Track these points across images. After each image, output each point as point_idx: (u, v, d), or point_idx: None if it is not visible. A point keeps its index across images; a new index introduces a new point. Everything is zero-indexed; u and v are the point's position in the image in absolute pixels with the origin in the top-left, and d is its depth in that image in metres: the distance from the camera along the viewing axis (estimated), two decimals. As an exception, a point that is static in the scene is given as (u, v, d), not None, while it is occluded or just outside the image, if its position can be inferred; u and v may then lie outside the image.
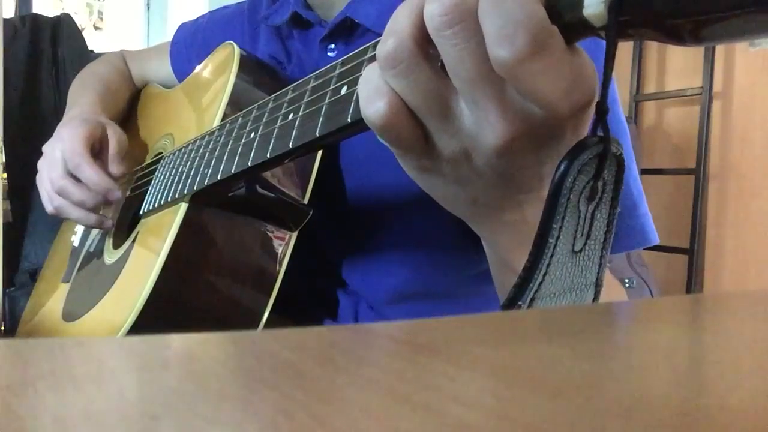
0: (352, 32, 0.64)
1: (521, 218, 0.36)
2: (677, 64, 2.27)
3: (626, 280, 1.89)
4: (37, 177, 0.76)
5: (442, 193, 0.36)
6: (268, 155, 0.46)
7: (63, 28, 1.33)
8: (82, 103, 0.83)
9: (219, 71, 0.69)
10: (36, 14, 1.37)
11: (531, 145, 0.31)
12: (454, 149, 0.32)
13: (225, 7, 0.85)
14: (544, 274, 0.30)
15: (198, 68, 0.76)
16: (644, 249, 2.11)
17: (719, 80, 2.14)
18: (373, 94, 0.32)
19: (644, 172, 2.24)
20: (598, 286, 0.32)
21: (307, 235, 0.63)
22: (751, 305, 0.23)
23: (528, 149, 0.31)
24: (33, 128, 1.23)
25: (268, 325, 0.60)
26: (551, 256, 0.30)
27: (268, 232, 0.61)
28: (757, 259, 2.07)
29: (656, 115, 2.37)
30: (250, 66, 0.67)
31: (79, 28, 1.40)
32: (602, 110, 0.28)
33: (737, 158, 2.12)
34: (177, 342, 0.17)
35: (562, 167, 0.29)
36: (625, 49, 2.25)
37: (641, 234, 0.56)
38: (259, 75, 0.68)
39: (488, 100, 0.29)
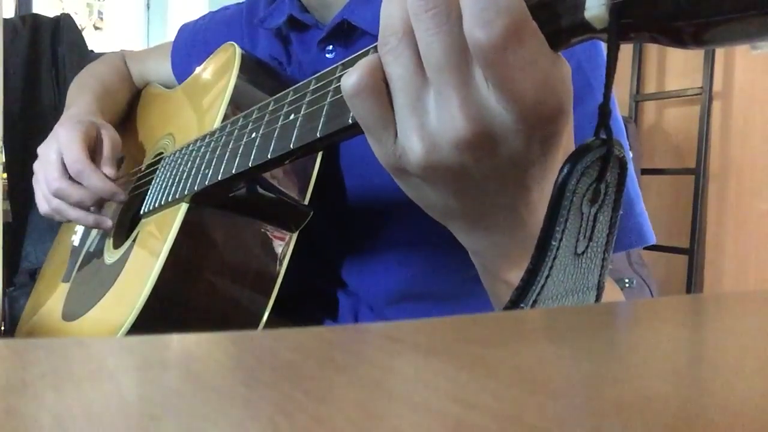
0: (349, 35, 0.64)
1: (501, 225, 0.36)
2: (677, 64, 2.27)
3: (626, 280, 1.89)
4: (33, 179, 0.76)
5: (418, 197, 0.37)
6: (269, 156, 0.46)
7: (63, 28, 1.33)
8: (80, 104, 0.83)
9: (220, 71, 0.69)
10: (36, 14, 1.37)
11: (492, 150, 0.31)
12: (415, 146, 0.32)
13: (225, 8, 0.85)
14: (547, 277, 0.30)
15: (199, 68, 0.76)
16: (644, 249, 2.12)
17: (719, 80, 2.14)
18: (354, 68, 0.33)
19: (644, 172, 2.24)
20: (600, 288, 0.33)
21: (307, 235, 0.63)
22: (751, 305, 0.23)
23: (490, 154, 0.31)
24: (33, 128, 1.23)
25: (267, 325, 0.60)
26: (554, 259, 0.30)
27: (268, 233, 0.61)
28: (757, 259, 2.07)
29: (656, 115, 2.37)
30: (251, 66, 0.67)
31: (79, 28, 1.40)
32: (605, 112, 0.28)
33: (737, 158, 2.12)
34: (177, 342, 0.17)
35: (566, 170, 0.29)
36: (625, 50, 2.24)
37: (638, 233, 0.57)
38: (261, 75, 0.68)
39: (452, 90, 0.30)
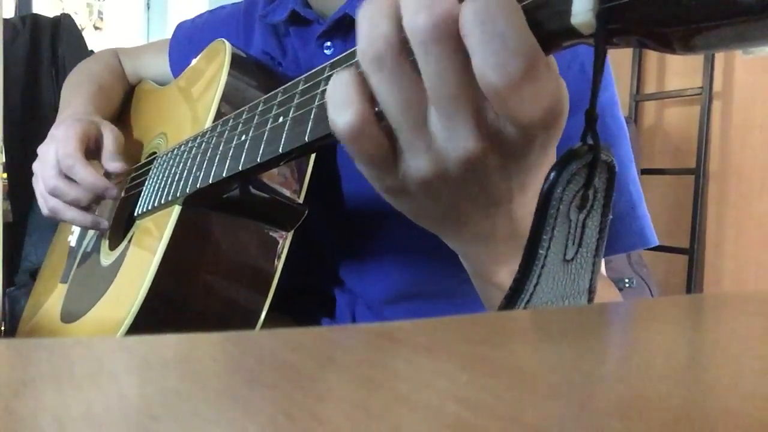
0: (350, 29, 0.64)
1: (491, 231, 0.36)
2: (677, 64, 2.27)
3: (626, 280, 1.89)
4: (33, 179, 0.76)
5: (413, 211, 0.37)
6: (258, 159, 0.46)
7: (63, 28, 1.33)
8: (75, 104, 0.83)
9: (211, 68, 0.69)
10: (36, 14, 1.37)
11: (500, 160, 0.31)
12: (421, 166, 0.32)
13: (222, 7, 0.85)
14: (536, 284, 0.29)
15: (190, 66, 0.76)
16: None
17: (719, 80, 2.14)
18: (341, 103, 0.31)
19: (644, 172, 2.24)
20: (591, 292, 0.32)
21: (304, 233, 0.62)
22: (751, 305, 0.23)
23: (497, 164, 0.31)
24: (33, 128, 1.23)
25: (265, 324, 0.60)
26: (542, 267, 0.29)
27: (263, 233, 0.61)
28: (757, 259, 2.07)
29: (656, 115, 2.37)
30: (242, 63, 0.67)
31: (79, 28, 1.40)
32: (592, 118, 0.28)
33: (737, 158, 2.12)
34: (177, 342, 0.17)
35: (551, 177, 0.28)
36: (625, 50, 2.24)
37: (640, 235, 0.57)
38: (252, 72, 0.68)
39: (465, 117, 0.29)
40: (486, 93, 0.28)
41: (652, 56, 2.35)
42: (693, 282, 2.14)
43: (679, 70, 2.27)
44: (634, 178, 0.57)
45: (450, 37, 0.28)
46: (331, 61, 0.40)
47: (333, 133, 0.32)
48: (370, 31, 0.30)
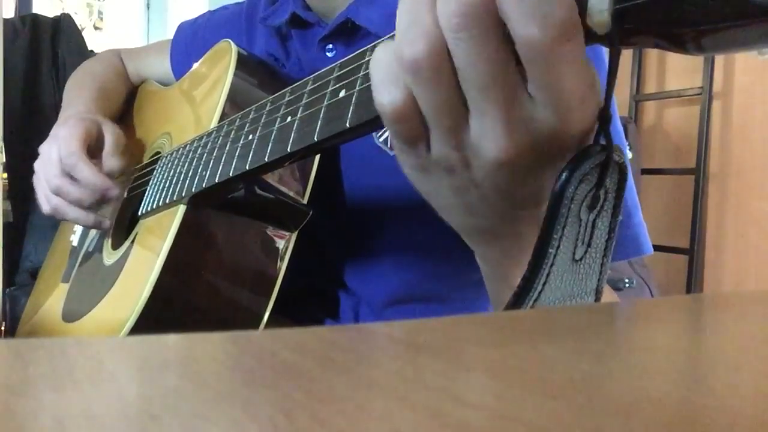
0: (352, 34, 0.64)
1: (515, 234, 0.35)
2: (677, 64, 2.27)
3: (626, 280, 1.89)
4: (34, 178, 0.76)
5: (438, 199, 0.36)
6: (266, 159, 0.46)
7: (63, 28, 1.33)
8: (77, 103, 0.83)
9: (216, 69, 0.69)
10: (36, 14, 1.37)
11: (533, 162, 0.30)
12: (451, 159, 0.31)
13: (224, 8, 0.85)
14: (544, 283, 0.29)
15: (195, 66, 0.76)
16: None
17: (719, 80, 2.14)
18: (390, 82, 0.30)
19: (644, 172, 2.24)
20: (598, 292, 0.32)
21: (308, 234, 0.63)
22: (751, 305, 0.23)
23: (530, 166, 0.30)
24: (33, 128, 1.23)
25: (268, 324, 0.60)
26: (551, 266, 0.29)
27: (267, 233, 0.61)
28: (757, 259, 2.07)
29: (656, 115, 2.37)
30: (247, 64, 0.67)
31: (79, 28, 1.40)
32: (605, 118, 0.28)
33: (737, 158, 2.12)
34: (177, 342, 0.17)
35: (563, 177, 0.28)
36: (625, 50, 2.24)
37: (635, 243, 0.56)
38: (257, 73, 0.68)
39: (497, 109, 0.28)
40: (525, 55, 0.27)
41: (652, 56, 2.35)
42: (693, 282, 2.14)
43: (679, 70, 2.27)
44: (630, 187, 0.57)
45: (480, 24, 0.27)
46: (340, 61, 0.40)
47: (377, 111, 0.31)
48: (412, 28, 0.29)
